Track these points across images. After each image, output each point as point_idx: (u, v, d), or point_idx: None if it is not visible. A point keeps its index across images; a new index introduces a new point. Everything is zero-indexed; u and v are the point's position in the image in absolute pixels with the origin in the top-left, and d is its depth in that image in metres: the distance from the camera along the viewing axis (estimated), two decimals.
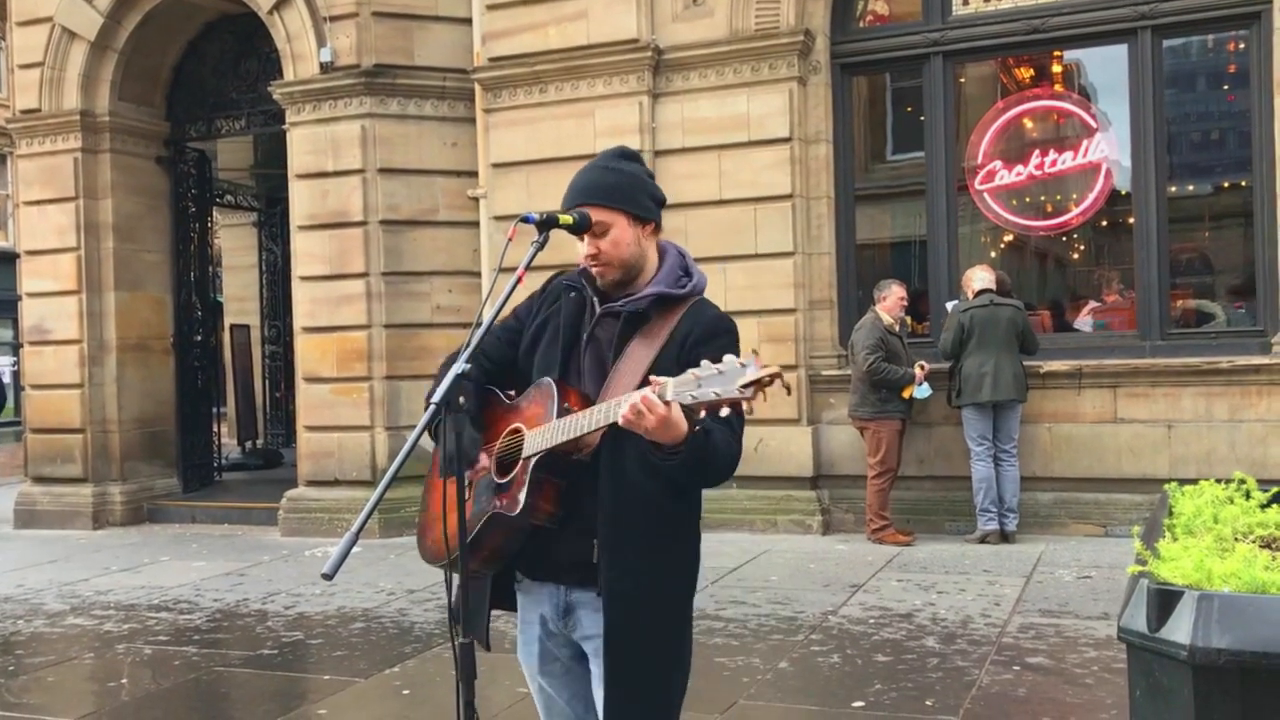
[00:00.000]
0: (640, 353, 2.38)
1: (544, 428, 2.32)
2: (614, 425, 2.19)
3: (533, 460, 2.33)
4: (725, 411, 2.01)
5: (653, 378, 2.12)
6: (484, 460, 2.45)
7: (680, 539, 2.47)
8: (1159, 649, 2.24)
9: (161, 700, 5.15)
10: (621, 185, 2.46)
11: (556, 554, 2.43)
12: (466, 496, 2.44)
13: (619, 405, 2.14)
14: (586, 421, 2.24)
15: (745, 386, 1.98)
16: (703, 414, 2.06)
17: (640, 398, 2.07)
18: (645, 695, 2.40)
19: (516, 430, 2.41)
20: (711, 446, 2.22)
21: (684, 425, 2.10)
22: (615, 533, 2.36)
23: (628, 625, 2.36)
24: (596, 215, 2.42)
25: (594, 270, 2.46)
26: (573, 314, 2.50)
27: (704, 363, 2.05)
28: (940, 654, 5.27)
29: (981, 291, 7.88)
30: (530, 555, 2.45)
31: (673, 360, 2.34)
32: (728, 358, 2.03)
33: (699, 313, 2.42)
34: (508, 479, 2.37)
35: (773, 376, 1.98)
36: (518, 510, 2.32)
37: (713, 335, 2.38)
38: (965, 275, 8.13)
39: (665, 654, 2.42)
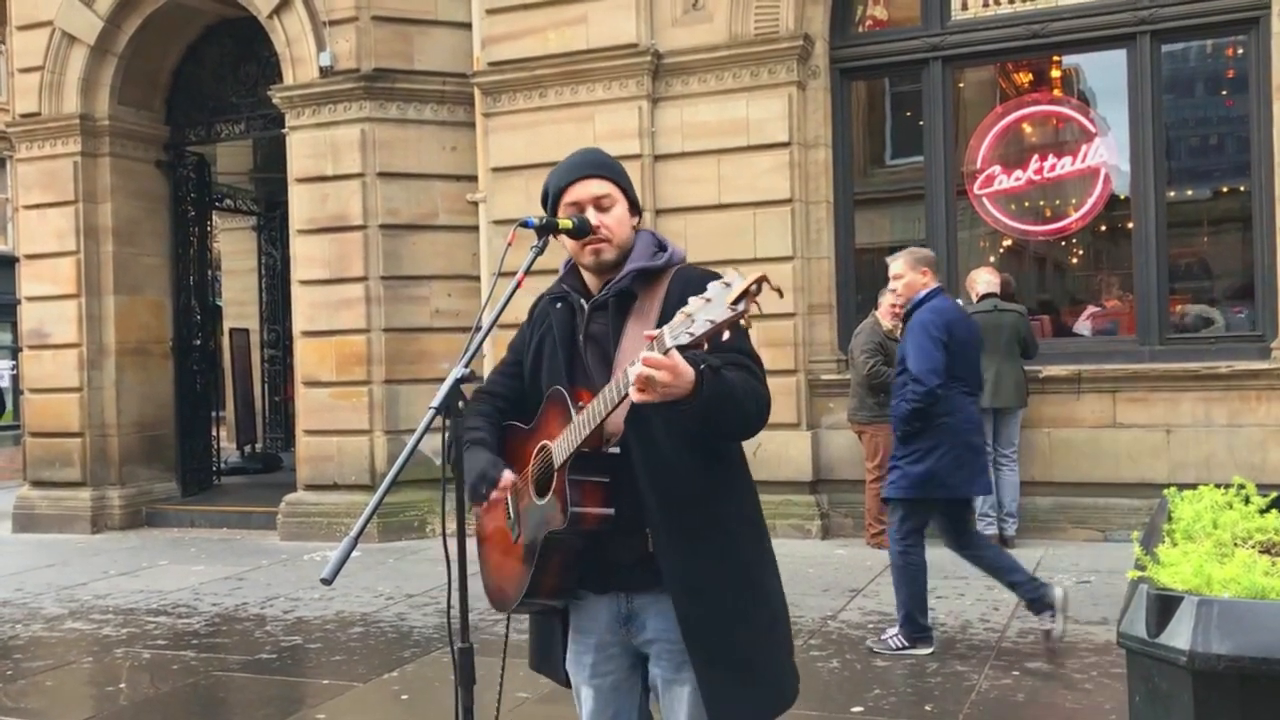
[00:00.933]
0: (637, 330, 2.33)
1: (566, 431, 2.27)
2: (633, 406, 2.13)
3: (566, 466, 2.26)
4: (726, 335, 1.95)
5: (648, 332, 2.05)
6: (521, 487, 2.39)
7: (730, 504, 2.39)
8: (1158, 654, 2.23)
9: (160, 705, 5.14)
10: (622, 171, 2.49)
11: (613, 556, 2.35)
12: (516, 534, 2.41)
13: (625, 377, 2.06)
14: (600, 406, 2.18)
15: (735, 303, 1.92)
16: (705, 347, 1.98)
17: (641, 360, 2.00)
18: (747, 676, 2.33)
19: (543, 448, 2.36)
20: (728, 383, 2.14)
21: (691, 371, 2.02)
22: (664, 518, 2.29)
23: (703, 611, 2.30)
24: (604, 188, 2.41)
25: (592, 249, 2.40)
26: (565, 321, 2.48)
27: (690, 300, 2.00)
28: (939, 659, 5.27)
29: (986, 295, 7.86)
30: (591, 568, 2.37)
31: None
32: (710, 285, 1.98)
33: (685, 276, 2.37)
34: (548, 498, 2.31)
35: (758, 281, 1.93)
36: (564, 522, 2.24)
37: (704, 288, 2.34)
38: (970, 276, 8.10)
39: (750, 625, 2.35)
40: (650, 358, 1.99)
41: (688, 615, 2.30)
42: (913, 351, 5.33)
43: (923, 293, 5.49)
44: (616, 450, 2.30)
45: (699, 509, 2.32)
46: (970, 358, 5.53)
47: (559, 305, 2.50)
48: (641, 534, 2.31)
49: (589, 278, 2.48)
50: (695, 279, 2.28)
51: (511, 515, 2.43)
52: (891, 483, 5.43)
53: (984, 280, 7.95)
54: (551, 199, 2.46)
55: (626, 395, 2.08)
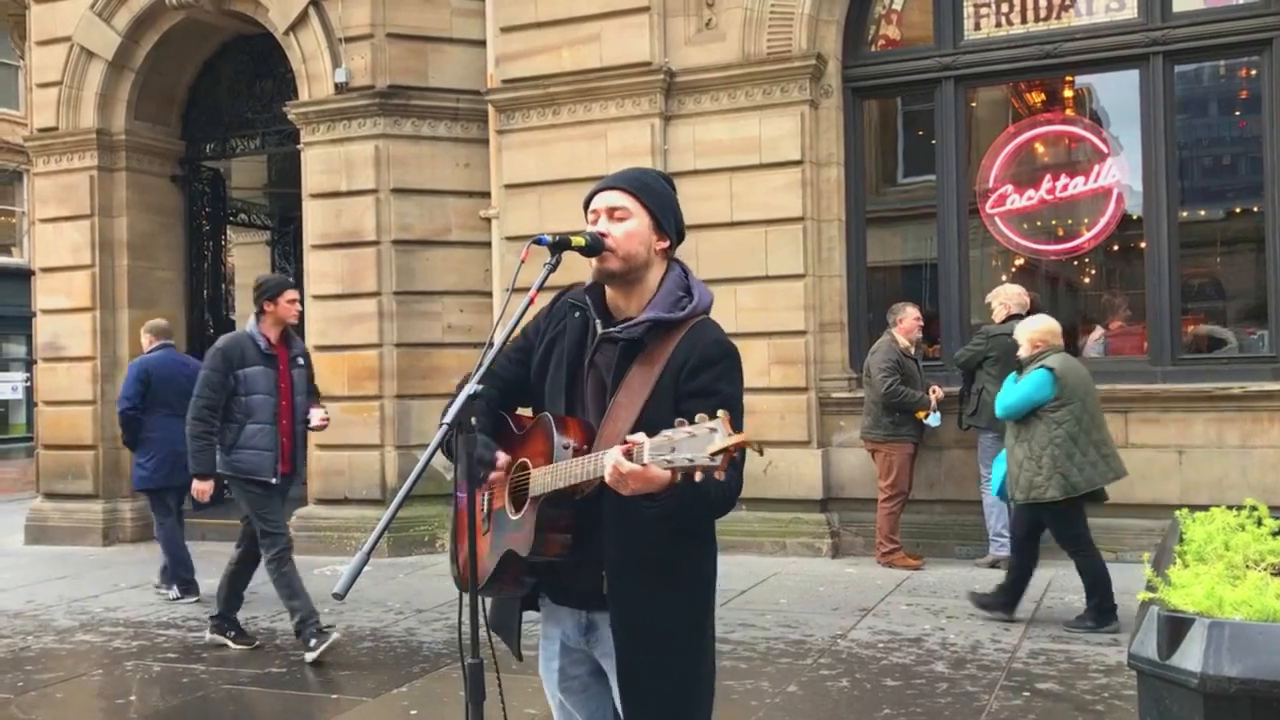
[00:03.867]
0: (638, 382, 2.37)
1: (548, 469, 2.33)
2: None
3: (540, 500, 2.33)
4: (699, 476, 2.02)
5: (629, 438, 2.11)
6: (498, 487, 2.46)
7: (691, 563, 2.45)
8: (1170, 676, 2.23)
9: (170, 718, 5.15)
10: (655, 189, 2.49)
11: (572, 583, 2.45)
12: (485, 528, 2.47)
13: (603, 462, 2.15)
14: (579, 471, 2.25)
15: (715, 454, 2.00)
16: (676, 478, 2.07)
17: (613, 465, 2.09)
18: (665, 715, 2.40)
19: (524, 465, 2.41)
20: (700, 491, 2.11)
21: (664, 477, 2.08)
22: (622, 565, 2.36)
23: (641, 656, 2.37)
24: (622, 200, 2.44)
25: (597, 260, 2.42)
26: (576, 338, 2.50)
27: (677, 423, 2.05)
28: (949, 679, 5.25)
29: (1014, 316, 7.76)
30: (550, 582, 2.48)
31: (669, 389, 2.34)
32: (699, 418, 2.03)
33: (698, 337, 2.39)
34: (519, 517, 2.38)
35: (739, 446, 2.00)
36: (528, 551, 2.33)
37: (709, 363, 2.35)
38: (1001, 292, 7.91)
39: (681, 681, 2.41)
40: (624, 466, 2.08)
41: (626, 651, 2.37)
42: None
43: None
44: (591, 494, 2.35)
45: (658, 565, 2.37)
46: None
47: (577, 315, 2.52)
48: (600, 572, 2.38)
49: (610, 294, 2.50)
50: (704, 349, 2.36)
51: (485, 508, 2.48)
52: None
53: (1018, 304, 7.71)
54: (585, 209, 2.52)
55: (596, 475, 2.18)
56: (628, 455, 2.09)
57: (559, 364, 2.50)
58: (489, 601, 2.61)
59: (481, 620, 2.34)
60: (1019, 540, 6.31)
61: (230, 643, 6.27)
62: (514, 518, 2.39)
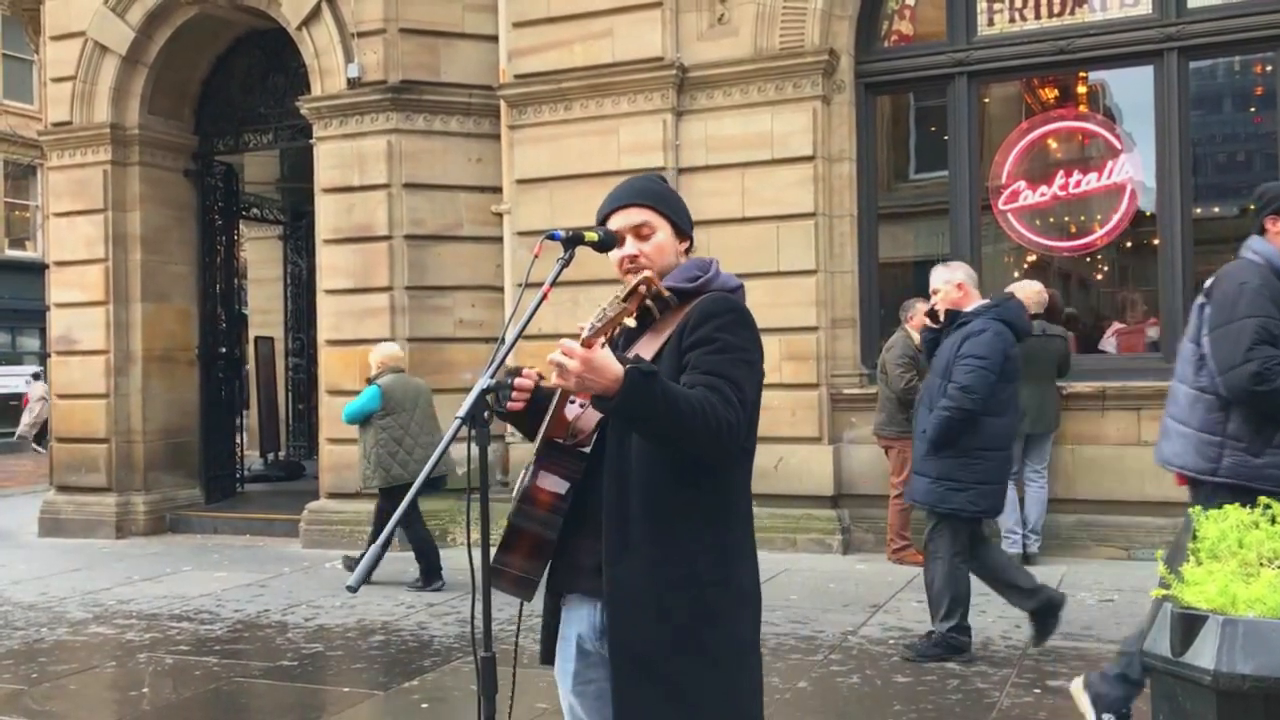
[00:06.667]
0: (645, 347, 2.38)
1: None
2: (606, 420, 2.27)
3: (539, 454, 2.37)
4: (617, 330, 2.12)
5: (579, 324, 2.12)
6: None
7: (699, 536, 2.32)
8: (1183, 674, 2.23)
9: (182, 710, 5.18)
10: (667, 197, 2.52)
11: (579, 559, 2.37)
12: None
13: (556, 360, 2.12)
14: (552, 394, 2.32)
15: (625, 299, 2.07)
16: (606, 337, 2.10)
17: (560, 349, 2.06)
18: (670, 694, 2.27)
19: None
20: (663, 391, 2.09)
21: (614, 367, 2.06)
22: (615, 527, 2.30)
23: (633, 623, 2.27)
24: (644, 216, 2.45)
25: (628, 272, 2.42)
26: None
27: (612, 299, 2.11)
28: (960, 675, 5.24)
29: (1032, 317, 7.69)
30: (562, 567, 2.40)
31: (674, 349, 2.33)
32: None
33: (704, 299, 2.38)
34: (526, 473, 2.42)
35: (644, 282, 2.08)
36: (522, 490, 2.33)
37: (710, 316, 2.32)
38: (1019, 289, 7.78)
39: (683, 652, 2.28)
40: (565, 345, 2.05)
41: (616, 624, 2.28)
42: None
43: None
44: (586, 450, 2.34)
45: (657, 524, 2.28)
46: None
47: None
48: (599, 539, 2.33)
49: None
50: (707, 304, 2.34)
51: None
52: None
53: (1035, 301, 7.60)
54: (600, 223, 2.52)
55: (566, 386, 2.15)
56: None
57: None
58: (542, 640, 2.55)
59: (509, 615, 2.31)
60: (380, 513, 7.67)
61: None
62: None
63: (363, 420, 7.63)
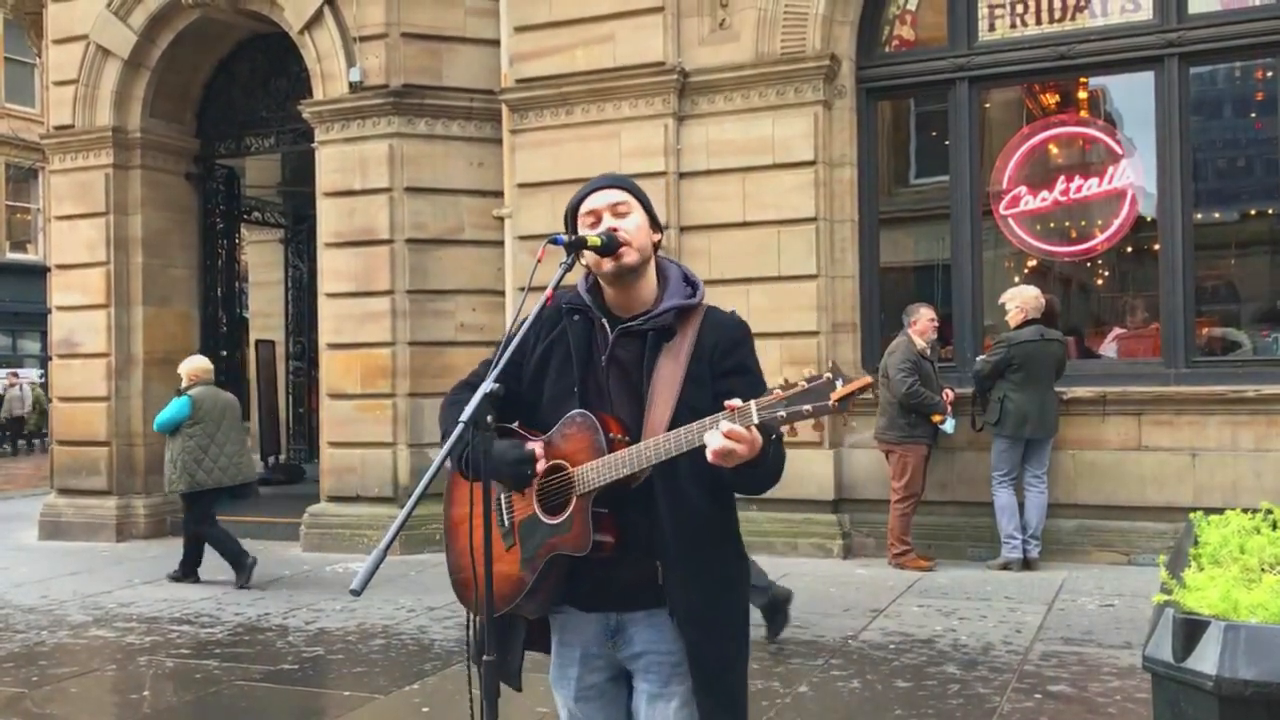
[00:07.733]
0: (669, 370, 2.40)
1: (598, 462, 2.30)
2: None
3: (589, 496, 2.32)
4: (812, 423, 2.16)
5: (728, 403, 2.17)
6: (521, 499, 2.42)
7: (736, 552, 2.55)
8: (1184, 679, 2.23)
9: (182, 713, 5.18)
10: (637, 187, 2.55)
11: (615, 581, 2.40)
12: (510, 543, 2.42)
13: (689, 435, 2.21)
14: (651, 453, 2.26)
15: (840, 400, 2.11)
16: (787, 430, 2.18)
17: (724, 431, 2.14)
18: (731, 704, 2.45)
19: (558, 467, 2.37)
20: (780, 453, 2.33)
21: (761, 442, 2.20)
22: (680, 554, 2.38)
23: (708, 641, 2.40)
24: (621, 195, 2.48)
25: (612, 256, 2.40)
26: (583, 337, 2.47)
27: (786, 380, 2.16)
28: (961, 680, 5.24)
29: (1031, 322, 7.75)
30: (585, 586, 2.42)
31: (705, 372, 2.39)
32: (806, 372, 2.18)
33: (715, 321, 2.47)
34: (562, 518, 2.34)
35: (862, 387, 2.13)
36: (586, 548, 2.31)
37: (737, 343, 2.46)
38: (1017, 294, 7.90)
39: (740, 663, 2.50)
40: (736, 431, 2.14)
41: (696, 643, 2.39)
42: None
43: None
44: (638, 484, 2.35)
45: (709, 547, 2.43)
46: None
47: (576, 319, 2.49)
48: (651, 564, 2.38)
49: (611, 294, 2.48)
50: (729, 330, 2.46)
51: (505, 524, 2.44)
52: None
53: (1034, 306, 7.70)
54: (569, 215, 2.51)
55: (685, 450, 2.22)
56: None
57: (564, 365, 2.46)
58: (486, 642, 2.49)
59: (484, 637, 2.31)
60: (186, 524, 8.43)
61: None
62: (554, 521, 2.35)
63: (172, 429, 8.08)
